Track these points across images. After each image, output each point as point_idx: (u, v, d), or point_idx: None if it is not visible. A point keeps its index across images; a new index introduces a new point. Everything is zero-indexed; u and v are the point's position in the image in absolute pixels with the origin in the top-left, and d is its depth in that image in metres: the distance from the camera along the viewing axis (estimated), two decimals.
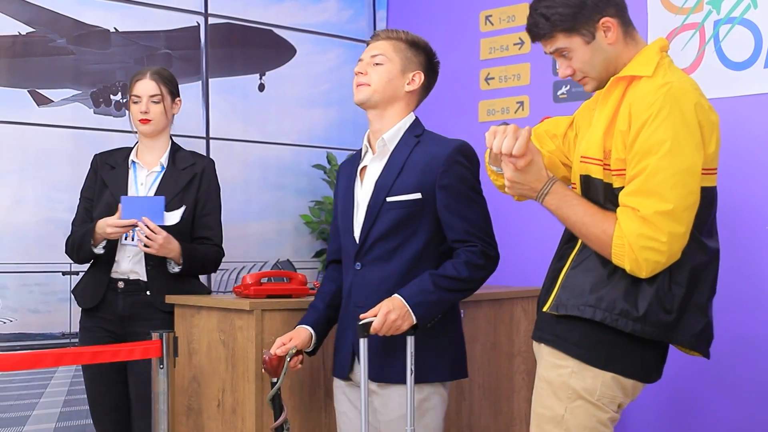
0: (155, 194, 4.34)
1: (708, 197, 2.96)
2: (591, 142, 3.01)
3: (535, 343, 3.21)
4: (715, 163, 2.99)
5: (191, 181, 4.42)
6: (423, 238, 3.47)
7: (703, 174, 2.90)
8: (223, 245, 4.52)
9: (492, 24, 5.89)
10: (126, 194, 4.32)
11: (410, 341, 3.33)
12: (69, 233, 4.44)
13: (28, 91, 4.98)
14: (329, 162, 6.12)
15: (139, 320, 4.29)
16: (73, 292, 4.48)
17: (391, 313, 3.29)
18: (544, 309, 3.10)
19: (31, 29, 5.00)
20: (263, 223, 5.79)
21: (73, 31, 5.11)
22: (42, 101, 5.01)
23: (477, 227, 3.45)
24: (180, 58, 5.52)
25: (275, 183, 5.97)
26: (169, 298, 4.31)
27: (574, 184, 3.16)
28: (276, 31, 5.94)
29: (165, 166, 4.44)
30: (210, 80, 5.66)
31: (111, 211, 4.24)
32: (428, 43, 3.68)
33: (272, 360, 3.54)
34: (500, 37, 5.84)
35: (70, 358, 3.55)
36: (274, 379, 3.56)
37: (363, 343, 3.30)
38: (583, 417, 2.98)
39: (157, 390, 3.87)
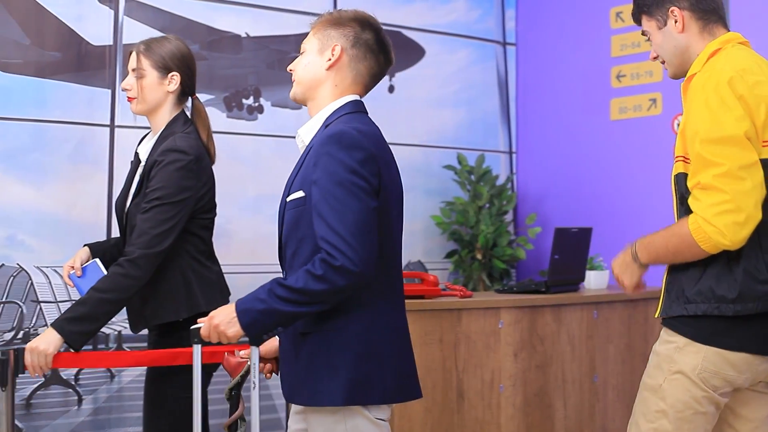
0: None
1: None
2: (677, 141, 3.13)
3: None
4: None
5: (142, 180, 3.64)
6: (311, 244, 2.92)
7: (763, 146, 2.99)
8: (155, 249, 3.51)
9: (623, 20, 5.80)
10: (127, 192, 3.77)
11: (254, 352, 2.96)
12: None
13: None
14: (460, 162, 6.10)
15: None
16: None
17: (215, 318, 2.91)
18: (655, 316, 3.23)
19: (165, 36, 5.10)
20: None
21: (205, 37, 5.19)
22: None
23: (329, 230, 2.80)
24: None
25: (405, 184, 5.90)
26: None
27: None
28: (404, 32, 5.96)
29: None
30: None
31: (116, 211, 3.82)
32: (360, 15, 3.12)
33: (229, 361, 3.26)
34: (631, 34, 5.76)
35: (208, 355, 3.59)
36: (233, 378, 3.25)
37: (196, 350, 3.05)
38: (679, 390, 3.06)
39: None
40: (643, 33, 3.30)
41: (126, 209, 3.67)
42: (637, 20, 3.30)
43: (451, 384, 4.00)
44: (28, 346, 3.30)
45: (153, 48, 3.72)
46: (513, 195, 6.31)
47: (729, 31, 3.20)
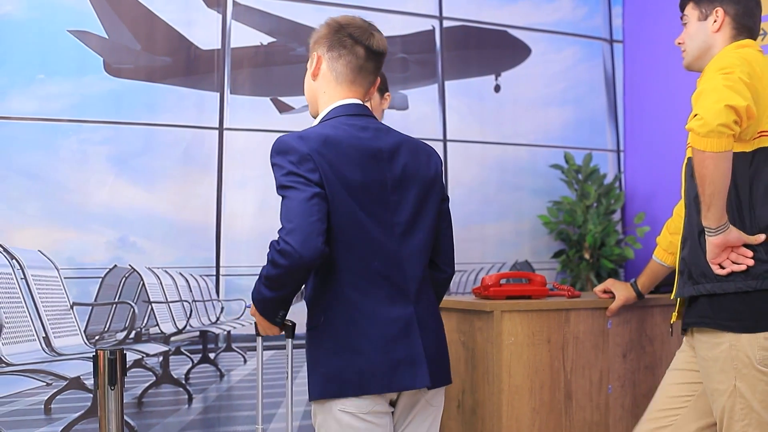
0: None
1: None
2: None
3: (686, 337, 3.54)
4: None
5: None
6: None
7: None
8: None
9: None
10: None
11: (288, 343, 3.29)
12: None
13: (271, 99, 5.12)
14: (567, 162, 6.06)
15: None
16: None
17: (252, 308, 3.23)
18: (671, 297, 3.52)
19: (272, 39, 5.15)
20: (501, 224, 5.79)
21: None
22: (284, 108, 5.15)
23: (281, 223, 3.02)
24: (416, 62, 5.58)
25: (512, 184, 5.96)
26: None
27: None
28: (510, 31, 5.93)
29: None
30: (446, 83, 5.69)
31: None
32: (330, 19, 3.27)
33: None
34: None
35: None
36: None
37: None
38: (754, 382, 3.19)
39: None
40: (682, 18, 3.59)
41: None
42: (683, 6, 3.60)
43: (558, 385, 3.98)
44: None
45: None
46: (621, 194, 6.25)
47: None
